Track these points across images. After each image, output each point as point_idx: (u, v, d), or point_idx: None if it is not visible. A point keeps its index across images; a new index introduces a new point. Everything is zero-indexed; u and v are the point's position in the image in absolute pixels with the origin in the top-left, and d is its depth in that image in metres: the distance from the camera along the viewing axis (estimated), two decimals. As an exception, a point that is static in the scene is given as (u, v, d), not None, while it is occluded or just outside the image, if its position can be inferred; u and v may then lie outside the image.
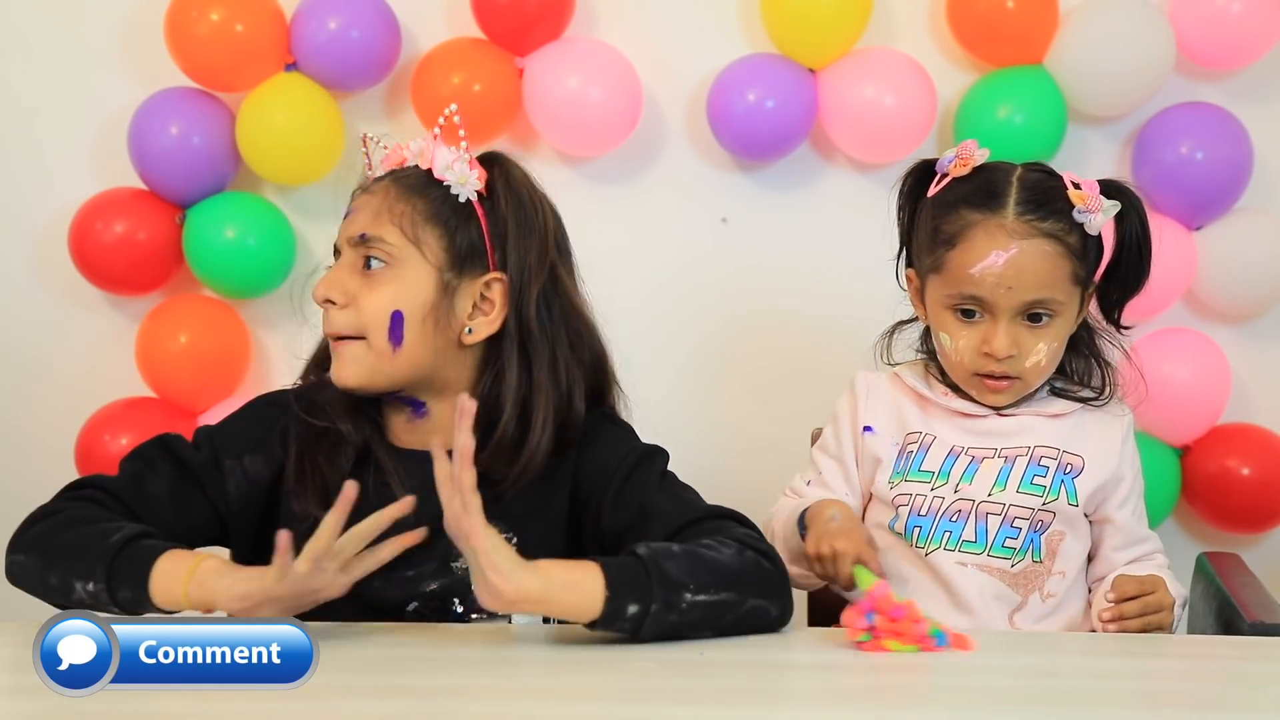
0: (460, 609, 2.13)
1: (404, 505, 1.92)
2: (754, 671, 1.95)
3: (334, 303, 2.11)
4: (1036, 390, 2.38)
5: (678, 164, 3.32)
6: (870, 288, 3.27)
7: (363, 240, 2.12)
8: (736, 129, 3.19)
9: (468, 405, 1.86)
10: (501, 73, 3.20)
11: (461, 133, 2.18)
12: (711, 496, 2.23)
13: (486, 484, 2.13)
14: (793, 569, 2.20)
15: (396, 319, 2.12)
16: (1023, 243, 2.26)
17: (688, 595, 1.92)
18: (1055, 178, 2.33)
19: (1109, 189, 2.32)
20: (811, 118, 3.21)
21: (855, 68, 3.20)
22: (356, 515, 2.08)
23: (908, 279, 2.44)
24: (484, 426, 2.18)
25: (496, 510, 2.13)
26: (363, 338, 2.11)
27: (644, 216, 3.32)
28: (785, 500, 2.45)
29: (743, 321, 3.32)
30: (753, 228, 3.31)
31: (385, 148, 2.20)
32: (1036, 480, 2.34)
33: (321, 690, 1.78)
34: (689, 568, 1.94)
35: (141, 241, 3.22)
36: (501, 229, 2.17)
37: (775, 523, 2.41)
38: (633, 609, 1.90)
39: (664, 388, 3.28)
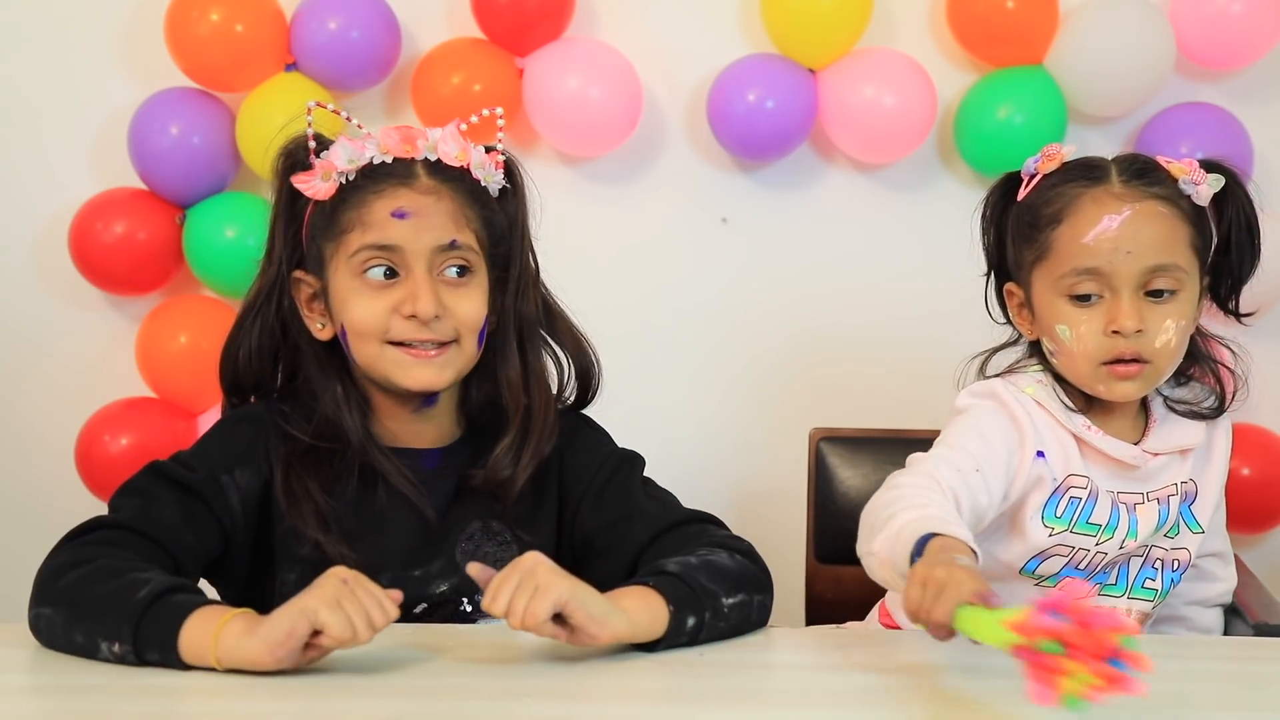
0: (469, 609, 2.13)
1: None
2: (753, 672, 1.95)
3: (439, 316, 2.07)
4: (1156, 408, 2.25)
5: (678, 164, 3.31)
6: (870, 288, 3.30)
7: (453, 246, 2.08)
8: (736, 129, 3.18)
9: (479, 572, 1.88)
10: (501, 73, 3.19)
11: (501, 135, 2.16)
12: (707, 493, 2.26)
13: (495, 493, 2.15)
14: (879, 572, 1.99)
15: (486, 324, 2.12)
16: (1135, 205, 2.12)
17: (724, 600, 1.96)
18: (1151, 159, 2.20)
19: (1207, 167, 2.18)
20: (811, 118, 3.20)
21: (855, 68, 3.19)
22: (365, 525, 2.11)
23: (1007, 295, 2.26)
24: (487, 425, 2.20)
25: (500, 513, 2.15)
26: (454, 343, 2.09)
27: (644, 216, 3.31)
28: (915, 492, 2.05)
29: (741, 321, 3.32)
30: (753, 228, 3.31)
31: (360, 125, 2.13)
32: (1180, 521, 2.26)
33: (322, 690, 1.78)
34: (713, 575, 1.98)
35: (141, 241, 3.21)
36: (510, 225, 2.16)
37: (891, 512, 1.98)
38: (691, 621, 1.93)
39: (661, 386, 3.28)
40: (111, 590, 1.86)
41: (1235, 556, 2.43)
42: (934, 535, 1.87)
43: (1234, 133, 3.16)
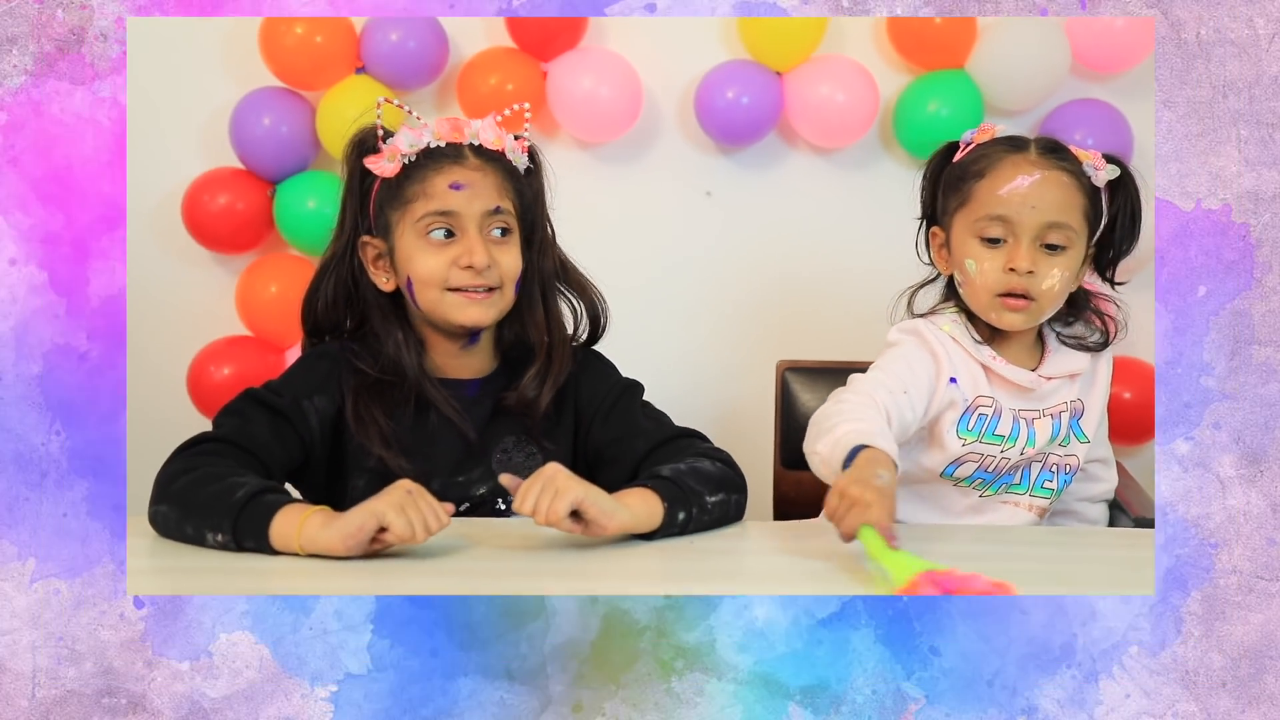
0: (503, 507, 2.14)
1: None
2: (732, 557, 1.96)
3: (490, 266, 2.08)
4: (1050, 341, 2.25)
5: (671, 148, 3.28)
6: (825, 246, 3.28)
7: (497, 212, 2.09)
8: (718, 120, 3.15)
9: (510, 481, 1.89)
10: (529, 75, 3.16)
11: (527, 126, 2.18)
12: (693, 413, 2.29)
13: (524, 411, 2.15)
14: (820, 469, 2.00)
15: (521, 275, 2.14)
16: (1045, 171, 2.13)
17: (708, 498, 1.98)
18: (1064, 143, 2.22)
19: (1109, 159, 2.20)
20: (778, 111, 3.17)
21: (814, 71, 3.16)
22: (419, 442, 2.11)
23: (931, 236, 2.25)
24: (517, 360, 2.18)
25: (528, 429, 2.14)
26: (498, 289, 2.10)
27: (644, 190, 3.29)
28: (856, 408, 2.05)
29: (721, 274, 3.29)
30: (731, 200, 3.28)
31: (419, 117, 2.13)
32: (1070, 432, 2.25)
33: (382, 570, 1.79)
34: (699, 479, 1.99)
35: (240, 211, 3.18)
36: (534, 198, 2.18)
37: (835, 423, 2.00)
38: (681, 515, 1.94)
39: (657, 326, 3.27)
40: (215, 492, 1.87)
41: (1118, 463, 2.43)
42: (864, 447, 1.90)
43: (1118, 124, 3.12)
